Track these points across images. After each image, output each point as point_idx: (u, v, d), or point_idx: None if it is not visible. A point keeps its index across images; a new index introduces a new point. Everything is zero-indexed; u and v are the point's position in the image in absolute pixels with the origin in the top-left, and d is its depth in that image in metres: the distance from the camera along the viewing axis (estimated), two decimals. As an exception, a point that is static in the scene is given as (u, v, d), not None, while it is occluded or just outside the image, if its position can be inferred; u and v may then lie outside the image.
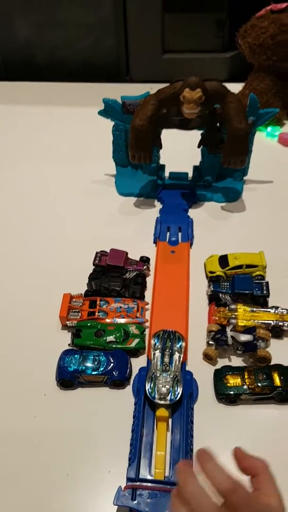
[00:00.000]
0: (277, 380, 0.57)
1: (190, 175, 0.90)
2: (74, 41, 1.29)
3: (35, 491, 0.50)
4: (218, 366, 0.61)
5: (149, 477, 0.50)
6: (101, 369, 0.58)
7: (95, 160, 0.96)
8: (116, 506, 0.48)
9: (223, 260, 0.72)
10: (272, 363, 0.60)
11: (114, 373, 0.58)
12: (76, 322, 0.64)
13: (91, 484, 0.51)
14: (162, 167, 0.90)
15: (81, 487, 0.51)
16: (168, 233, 0.79)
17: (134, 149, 0.75)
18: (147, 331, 0.65)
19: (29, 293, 0.71)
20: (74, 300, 0.67)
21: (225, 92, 0.71)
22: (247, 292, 0.67)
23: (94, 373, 0.58)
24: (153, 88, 0.81)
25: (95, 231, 0.82)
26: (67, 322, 0.65)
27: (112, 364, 0.59)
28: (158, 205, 0.87)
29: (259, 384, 0.57)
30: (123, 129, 0.83)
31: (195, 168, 0.89)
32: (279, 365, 0.59)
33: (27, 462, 0.53)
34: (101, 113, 0.83)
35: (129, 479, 0.50)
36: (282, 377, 0.57)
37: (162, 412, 0.54)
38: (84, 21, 1.25)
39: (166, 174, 0.91)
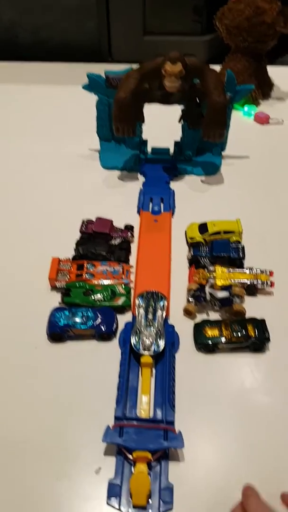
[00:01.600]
0: (251, 331, 0.62)
1: (172, 150, 0.94)
2: (57, 22, 1.31)
3: (27, 431, 0.54)
4: (197, 321, 0.66)
5: (134, 417, 0.55)
6: (89, 323, 0.63)
7: (79, 135, 1.00)
8: (105, 444, 0.53)
9: (203, 227, 0.77)
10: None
11: (102, 327, 0.63)
12: (65, 283, 0.68)
13: (81, 425, 0.55)
14: (145, 142, 0.94)
15: (72, 428, 0.55)
16: (151, 204, 0.84)
17: (118, 122, 0.79)
18: (132, 291, 0.69)
19: (19, 259, 0.75)
20: (62, 263, 0.71)
21: (204, 67, 0.76)
22: (224, 255, 0.72)
23: (83, 327, 0.62)
24: (134, 67, 0.85)
25: (81, 202, 0.85)
26: (56, 284, 0.69)
27: (99, 319, 0.63)
28: (141, 179, 0.91)
29: (235, 334, 0.62)
30: (106, 103, 0.86)
31: (176, 143, 0.93)
32: (253, 318, 0.64)
33: (20, 406, 0.57)
34: (85, 87, 0.87)
35: (116, 418, 0.54)
36: (256, 329, 0.62)
37: (146, 359, 0.59)
38: (68, 3, 1.26)
39: (149, 149, 0.95)
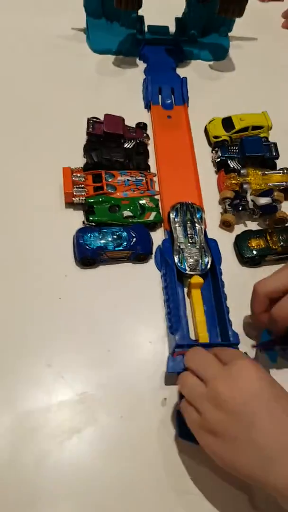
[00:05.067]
0: (299, 239, 0.58)
1: (171, 29, 0.79)
2: None
3: (75, 367, 0.49)
4: (235, 233, 0.60)
5: (194, 342, 0.50)
6: (125, 244, 0.55)
7: (60, 12, 0.79)
8: (164, 375, 0.49)
9: (227, 123, 0.67)
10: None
11: (138, 247, 0.55)
12: (84, 198, 0.58)
13: (132, 357, 0.51)
14: (141, 18, 0.77)
15: (123, 361, 0.50)
16: (160, 96, 0.71)
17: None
18: (160, 204, 0.61)
19: (20, 175, 0.62)
20: (74, 174, 0.60)
21: None
22: (259, 155, 0.64)
23: (117, 249, 0.54)
24: None
25: (73, 97, 0.70)
26: (74, 199, 0.58)
27: (134, 239, 0.55)
28: (141, 64, 0.76)
29: (281, 244, 0.57)
30: None
31: (178, 20, 0.78)
32: (298, 225, 0.59)
33: (64, 337, 0.51)
34: None
35: (178, 346, 0.49)
36: (303, 236, 0.58)
37: (196, 279, 0.53)
38: None
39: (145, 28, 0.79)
